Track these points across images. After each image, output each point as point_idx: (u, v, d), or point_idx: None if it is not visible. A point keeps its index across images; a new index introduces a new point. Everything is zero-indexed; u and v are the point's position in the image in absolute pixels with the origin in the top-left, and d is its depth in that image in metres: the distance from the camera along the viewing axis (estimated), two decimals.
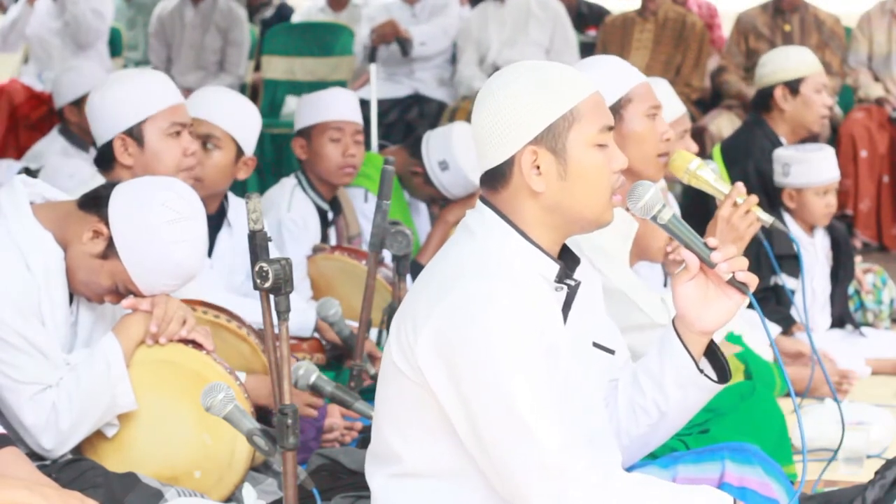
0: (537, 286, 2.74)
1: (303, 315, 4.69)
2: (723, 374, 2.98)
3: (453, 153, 5.74)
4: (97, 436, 3.52)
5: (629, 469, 3.11)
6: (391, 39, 8.33)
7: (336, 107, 5.41)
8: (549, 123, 2.74)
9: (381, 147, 6.93)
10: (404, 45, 8.32)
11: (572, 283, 2.80)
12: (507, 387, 2.63)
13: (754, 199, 3.79)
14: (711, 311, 2.87)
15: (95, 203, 3.47)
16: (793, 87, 6.07)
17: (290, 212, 5.28)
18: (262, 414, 3.74)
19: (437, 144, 5.81)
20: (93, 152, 6.65)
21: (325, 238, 5.34)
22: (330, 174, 5.34)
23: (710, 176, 3.88)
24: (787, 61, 6.13)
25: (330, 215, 5.39)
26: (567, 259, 2.83)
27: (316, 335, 4.76)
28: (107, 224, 3.43)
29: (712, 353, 2.98)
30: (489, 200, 2.80)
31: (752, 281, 2.85)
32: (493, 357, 2.63)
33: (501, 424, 2.64)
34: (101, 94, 4.17)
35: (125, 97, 4.11)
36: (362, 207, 5.68)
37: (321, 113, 5.40)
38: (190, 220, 3.45)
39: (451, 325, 2.66)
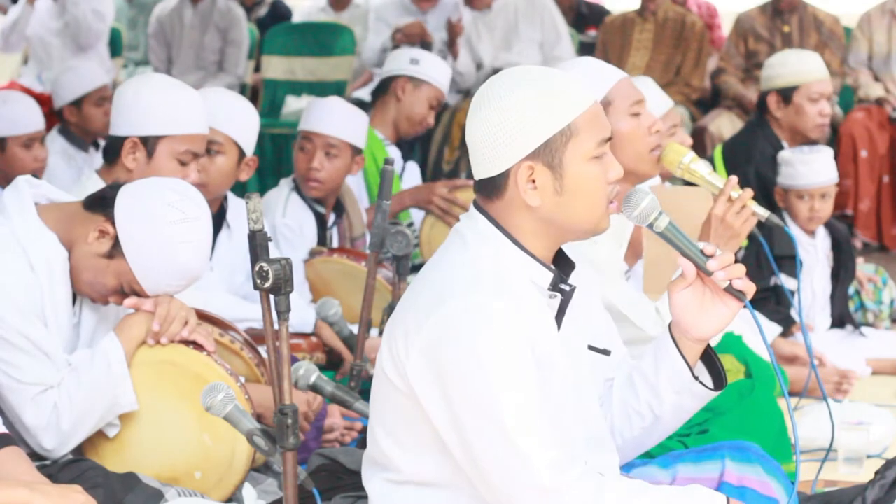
0: (530, 296, 2.71)
1: (303, 311, 4.68)
2: (719, 380, 2.96)
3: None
4: (98, 436, 3.52)
5: (628, 468, 3.11)
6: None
7: (313, 117, 5.34)
8: (545, 139, 2.69)
9: None
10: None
11: (567, 288, 2.78)
12: (496, 404, 2.61)
13: (749, 193, 3.71)
14: (708, 319, 2.84)
15: (101, 203, 3.47)
16: (785, 95, 6.06)
17: (284, 217, 5.25)
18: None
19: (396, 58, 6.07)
20: (92, 152, 6.70)
21: (324, 241, 5.32)
22: (300, 183, 5.30)
23: (705, 170, 3.83)
24: (783, 67, 6.11)
25: (332, 218, 5.37)
26: (562, 264, 2.81)
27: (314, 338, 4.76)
28: (113, 224, 3.43)
29: (709, 358, 2.97)
30: (483, 207, 2.77)
31: (750, 289, 2.81)
32: (482, 374, 2.61)
33: (491, 441, 2.63)
34: (136, 90, 4.11)
35: (156, 105, 4.05)
36: None
37: (303, 121, 5.39)
38: (196, 220, 3.45)
39: (441, 341, 2.63)
